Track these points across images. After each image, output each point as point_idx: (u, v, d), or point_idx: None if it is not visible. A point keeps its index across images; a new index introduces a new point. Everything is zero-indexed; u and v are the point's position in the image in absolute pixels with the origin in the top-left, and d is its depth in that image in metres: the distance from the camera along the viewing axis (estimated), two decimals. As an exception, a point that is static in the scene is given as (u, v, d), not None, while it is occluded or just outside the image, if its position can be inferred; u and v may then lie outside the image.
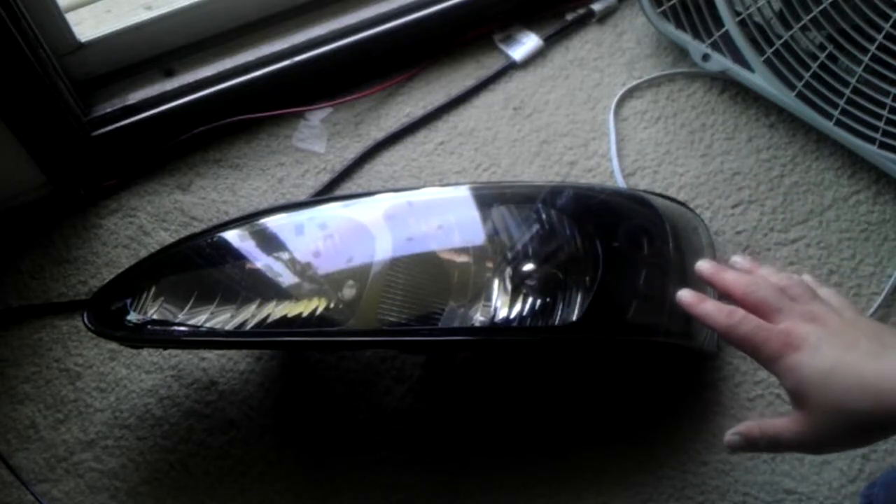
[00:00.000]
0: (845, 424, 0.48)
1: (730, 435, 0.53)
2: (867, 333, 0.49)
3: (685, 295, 0.55)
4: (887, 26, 0.68)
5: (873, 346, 0.48)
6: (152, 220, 0.80)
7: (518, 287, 0.61)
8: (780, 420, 0.50)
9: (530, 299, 0.61)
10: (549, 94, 0.89)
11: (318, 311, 0.60)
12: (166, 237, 0.79)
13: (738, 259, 0.59)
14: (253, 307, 0.61)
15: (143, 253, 0.78)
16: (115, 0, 0.88)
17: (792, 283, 0.54)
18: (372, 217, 0.65)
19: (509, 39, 0.93)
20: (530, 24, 0.94)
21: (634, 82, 0.89)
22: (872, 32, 0.69)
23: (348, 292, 0.61)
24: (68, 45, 0.79)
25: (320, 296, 0.61)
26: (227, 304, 0.61)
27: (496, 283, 0.61)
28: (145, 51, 0.84)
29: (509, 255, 0.63)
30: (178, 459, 0.68)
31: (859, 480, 0.66)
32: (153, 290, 0.63)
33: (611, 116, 0.86)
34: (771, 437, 0.51)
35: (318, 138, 0.86)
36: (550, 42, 0.93)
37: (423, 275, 0.62)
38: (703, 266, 0.57)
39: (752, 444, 0.52)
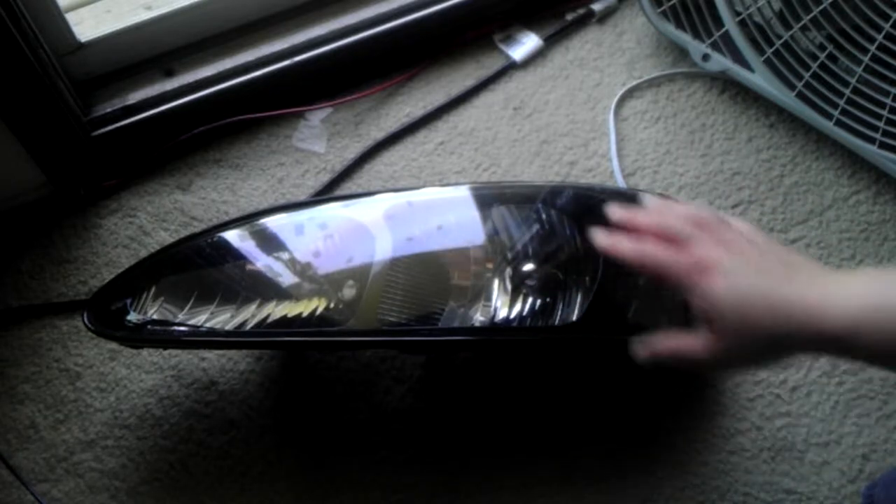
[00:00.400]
0: (755, 345, 0.50)
1: (640, 350, 0.53)
2: (779, 259, 0.52)
3: (599, 238, 0.55)
4: (887, 26, 0.68)
5: (786, 271, 0.50)
6: (152, 220, 0.80)
7: (518, 287, 0.61)
8: (691, 338, 0.51)
9: (530, 299, 0.60)
10: (549, 94, 0.89)
11: (318, 311, 0.60)
12: (166, 237, 0.79)
13: (649, 197, 0.59)
14: (253, 307, 0.61)
15: (143, 253, 0.78)
16: (115, 0, 0.88)
17: (703, 214, 0.55)
18: (372, 217, 0.65)
19: (509, 39, 0.93)
20: (530, 24, 0.94)
21: (634, 82, 0.89)
22: (872, 32, 0.69)
23: (348, 292, 0.61)
24: (68, 45, 0.79)
25: (320, 296, 0.61)
26: (227, 304, 0.61)
27: (496, 283, 0.61)
28: (145, 51, 0.84)
29: (509, 255, 0.63)
30: (178, 459, 0.68)
31: (859, 480, 0.66)
32: (153, 290, 0.63)
33: (611, 116, 0.86)
34: (681, 356, 0.52)
35: (318, 138, 0.86)
36: (550, 42, 0.93)
37: (423, 275, 0.62)
38: (615, 212, 0.57)
39: (660, 361, 0.53)
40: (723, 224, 0.55)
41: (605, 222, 0.67)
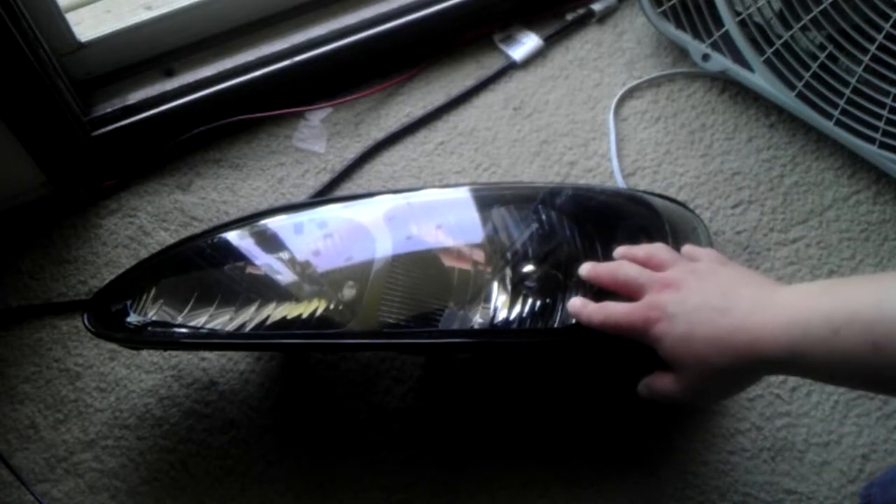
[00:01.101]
0: (714, 378, 0.52)
1: (640, 392, 0.58)
2: (720, 287, 0.53)
3: (573, 308, 0.58)
4: (887, 26, 0.68)
5: (724, 301, 0.52)
6: (152, 220, 0.80)
7: (518, 288, 0.61)
8: (664, 378, 0.54)
9: (530, 301, 0.61)
10: (549, 94, 0.89)
11: (319, 313, 0.60)
12: (166, 237, 0.79)
13: (616, 250, 0.61)
14: (253, 308, 0.61)
15: (143, 253, 0.78)
16: (115, 0, 0.88)
17: (652, 253, 0.58)
18: (372, 218, 0.65)
19: (509, 39, 0.93)
20: (530, 24, 0.94)
21: (634, 82, 0.89)
22: (872, 32, 0.69)
23: (348, 293, 0.61)
24: (68, 45, 0.79)
25: (320, 297, 0.61)
26: (227, 305, 0.61)
27: (496, 284, 0.61)
28: (145, 51, 0.84)
29: (509, 256, 0.63)
30: (178, 459, 0.68)
31: (859, 480, 0.66)
32: (153, 291, 0.63)
33: (611, 116, 0.86)
34: (660, 395, 0.55)
35: (318, 138, 0.86)
36: (550, 42, 0.93)
37: (423, 276, 0.62)
38: (581, 270, 0.60)
39: (649, 398, 0.57)
40: (672, 257, 0.57)
41: (605, 223, 0.68)
